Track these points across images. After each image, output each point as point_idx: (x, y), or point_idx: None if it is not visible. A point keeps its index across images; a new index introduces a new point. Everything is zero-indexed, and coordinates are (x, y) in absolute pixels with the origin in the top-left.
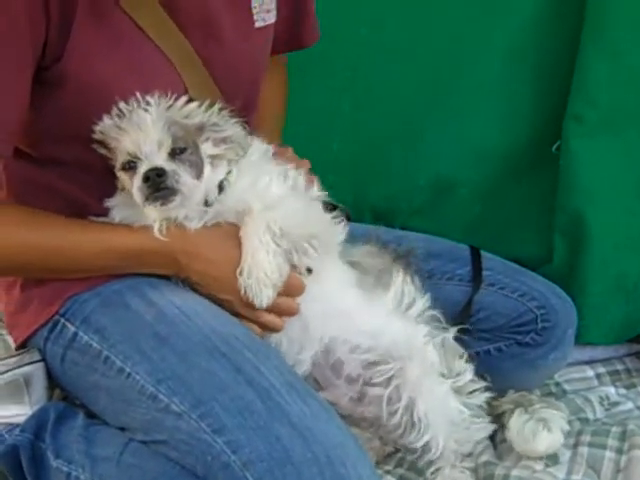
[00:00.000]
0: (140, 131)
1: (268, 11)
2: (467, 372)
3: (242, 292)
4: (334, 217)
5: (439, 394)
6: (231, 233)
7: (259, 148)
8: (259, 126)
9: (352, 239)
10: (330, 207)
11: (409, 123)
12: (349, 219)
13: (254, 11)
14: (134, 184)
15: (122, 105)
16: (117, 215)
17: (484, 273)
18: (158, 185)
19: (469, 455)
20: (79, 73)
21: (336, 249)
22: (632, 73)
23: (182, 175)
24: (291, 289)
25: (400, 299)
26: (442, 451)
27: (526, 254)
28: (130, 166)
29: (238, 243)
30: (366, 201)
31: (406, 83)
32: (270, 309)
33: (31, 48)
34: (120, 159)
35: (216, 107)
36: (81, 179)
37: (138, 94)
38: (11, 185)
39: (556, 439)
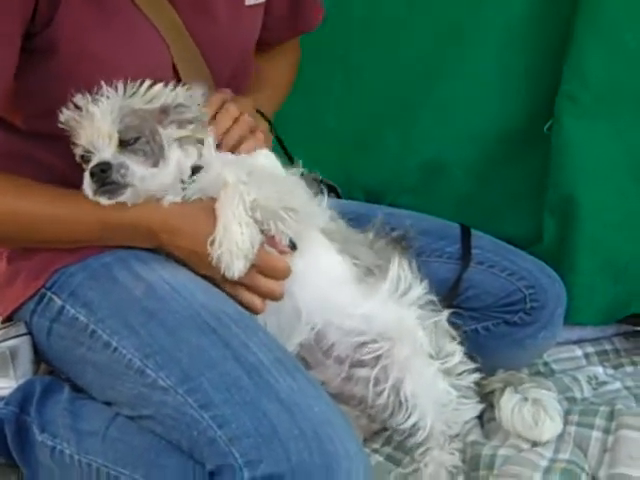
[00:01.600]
0: (91, 125)
1: None
2: (457, 353)
3: (213, 263)
4: (319, 193)
5: (427, 375)
6: (210, 208)
7: None
8: (259, 91)
9: (342, 217)
10: (320, 183)
11: (401, 102)
12: (339, 196)
13: None
14: (84, 178)
15: (79, 98)
16: None
17: (473, 251)
18: (103, 180)
19: (457, 436)
20: (67, 41)
21: (318, 225)
22: (626, 53)
23: (131, 167)
24: (274, 271)
25: (396, 285)
26: (430, 432)
27: (517, 233)
28: (85, 159)
29: (214, 219)
30: (357, 179)
31: (399, 63)
32: (251, 289)
33: (20, 14)
34: (77, 152)
35: (182, 87)
36: (66, 152)
37: (102, 83)
38: None
39: (559, 428)
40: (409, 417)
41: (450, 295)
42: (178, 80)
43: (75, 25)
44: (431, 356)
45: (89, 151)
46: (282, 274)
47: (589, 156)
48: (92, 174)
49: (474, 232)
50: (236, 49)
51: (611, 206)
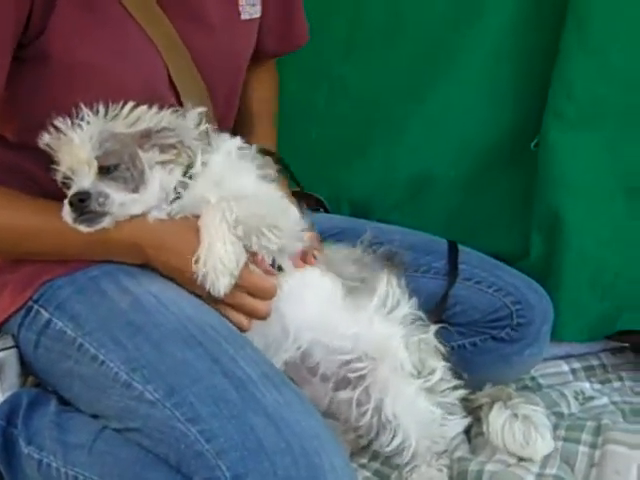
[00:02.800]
0: (70, 151)
1: (254, 5)
2: (438, 371)
3: (198, 280)
4: (304, 209)
5: (407, 394)
6: (196, 225)
7: (228, 144)
8: (253, 128)
9: (328, 231)
10: (306, 198)
11: (387, 116)
12: (327, 210)
13: (240, 3)
14: (64, 206)
15: (59, 121)
16: None
17: (460, 267)
18: (82, 209)
19: (444, 452)
20: (60, 50)
21: (300, 244)
22: (612, 69)
23: (111, 195)
24: (259, 290)
25: (384, 302)
26: (415, 451)
27: (504, 248)
28: (65, 185)
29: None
30: (344, 193)
31: (385, 76)
32: (236, 308)
33: (14, 20)
34: (58, 177)
35: (168, 110)
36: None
37: (81, 106)
38: None
39: (550, 446)
40: (393, 438)
41: (437, 311)
42: (175, 92)
43: (68, 34)
44: (412, 375)
45: (68, 177)
46: (268, 294)
47: (575, 172)
48: (71, 203)
49: (461, 248)
50: (231, 63)
51: (597, 222)
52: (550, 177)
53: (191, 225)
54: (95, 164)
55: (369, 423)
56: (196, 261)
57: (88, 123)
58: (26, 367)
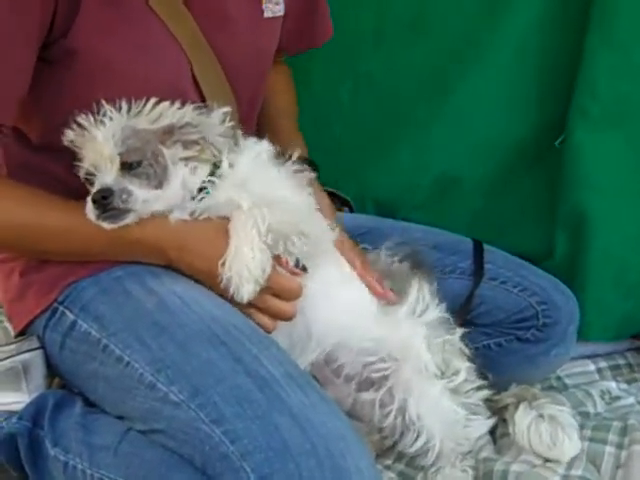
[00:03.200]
0: (94, 148)
1: (277, 3)
2: (462, 372)
3: (222, 284)
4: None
5: (431, 395)
6: (222, 228)
7: (257, 147)
8: (277, 125)
9: (353, 231)
10: (331, 197)
11: (414, 115)
12: (352, 210)
13: (263, 1)
14: (87, 203)
15: (82, 118)
16: None
17: (486, 267)
18: (105, 207)
19: (469, 453)
20: (84, 49)
21: (330, 250)
22: (636, 67)
23: (134, 192)
24: (285, 291)
25: (414, 308)
26: (440, 452)
27: (529, 248)
28: (88, 181)
29: (227, 240)
30: (369, 193)
31: (410, 74)
32: (261, 310)
33: (39, 18)
34: (81, 173)
35: (190, 106)
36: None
37: (104, 103)
38: (9, 168)
39: (578, 447)
40: (417, 438)
41: (462, 311)
42: (199, 92)
43: (92, 31)
44: (436, 376)
45: (92, 174)
46: (294, 294)
47: (600, 171)
48: (94, 200)
49: (486, 247)
50: (255, 62)
51: (622, 221)
52: (575, 176)
53: (216, 227)
54: (118, 161)
55: (393, 424)
56: (222, 264)
57: (111, 119)
58: (52, 368)
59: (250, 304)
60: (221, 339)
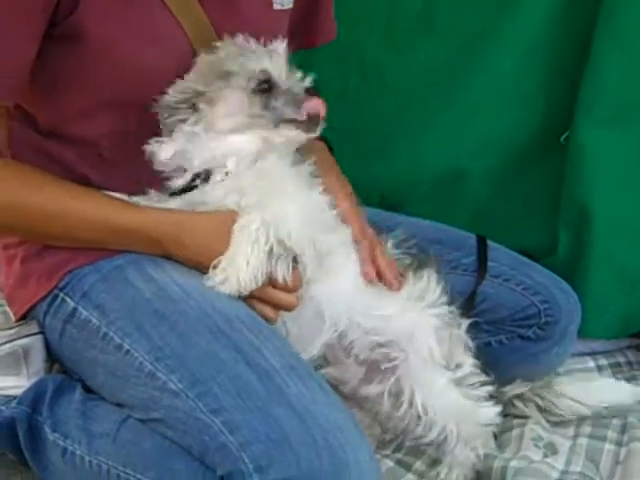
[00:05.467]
0: (268, 56)
1: None
2: (466, 365)
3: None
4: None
5: (439, 385)
6: (224, 225)
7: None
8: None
9: None
10: None
11: (419, 109)
12: None
13: None
14: (279, 103)
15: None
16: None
17: (489, 264)
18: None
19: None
20: (90, 32)
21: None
22: None
23: None
24: (284, 283)
25: (422, 295)
26: (457, 437)
27: (532, 244)
28: (263, 89)
29: (228, 237)
30: (373, 186)
31: (417, 68)
32: (262, 301)
33: (44, 2)
34: (250, 85)
35: None
36: (87, 153)
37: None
38: (15, 150)
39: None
40: (430, 429)
41: (465, 307)
42: None
43: (99, 15)
44: (444, 366)
45: (269, 81)
46: (294, 285)
47: (604, 168)
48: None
49: (490, 244)
50: None
51: (625, 219)
52: (579, 173)
53: (217, 224)
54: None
55: (405, 414)
56: (215, 266)
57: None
58: (52, 354)
59: (251, 295)
60: (222, 329)
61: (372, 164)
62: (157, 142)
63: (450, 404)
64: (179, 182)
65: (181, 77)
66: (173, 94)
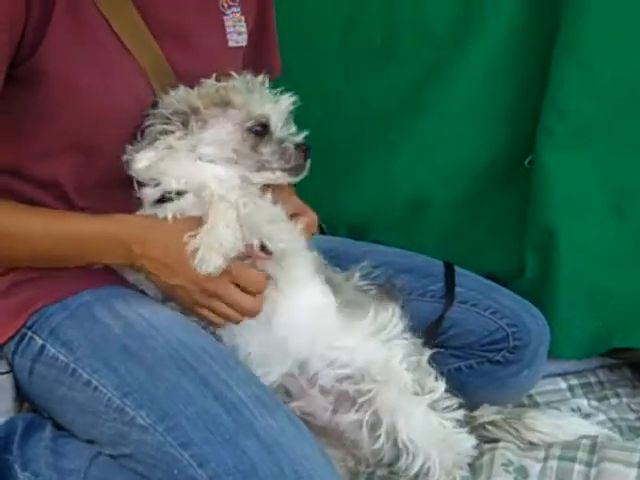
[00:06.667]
0: (273, 102)
1: (240, 33)
2: (438, 389)
3: (188, 253)
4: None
5: (419, 414)
6: (192, 224)
7: None
8: None
9: (325, 254)
10: None
11: (382, 138)
12: (323, 232)
13: (228, 30)
14: (267, 150)
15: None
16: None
17: (457, 290)
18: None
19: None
20: (49, 71)
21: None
22: (602, 86)
23: None
24: (249, 282)
25: (382, 326)
26: (440, 467)
27: (499, 268)
28: (257, 132)
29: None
30: (340, 215)
31: (378, 98)
32: (220, 298)
33: (8, 46)
34: (247, 123)
35: None
36: (45, 192)
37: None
38: None
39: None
40: (413, 461)
41: (431, 333)
42: None
43: (59, 55)
44: (417, 393)
45: (264, 124)
46: (256, 286)
47: (568, 190)
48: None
49: (458, 270)
50: None
51: (590, 241)
52: (543, 196)
53: (186, 223)
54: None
55: (382, 447)
56: (191, 236)
57: None
58: (21, 393)
59: (210, 291)
60: (189, 362)
61: (338, 194)
62: (133, 150)
63: (433, 429)
64: (150, 193)
65: (140, 115)
66: (170, 101)
